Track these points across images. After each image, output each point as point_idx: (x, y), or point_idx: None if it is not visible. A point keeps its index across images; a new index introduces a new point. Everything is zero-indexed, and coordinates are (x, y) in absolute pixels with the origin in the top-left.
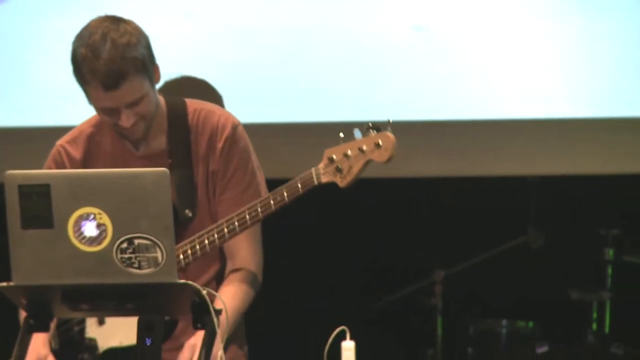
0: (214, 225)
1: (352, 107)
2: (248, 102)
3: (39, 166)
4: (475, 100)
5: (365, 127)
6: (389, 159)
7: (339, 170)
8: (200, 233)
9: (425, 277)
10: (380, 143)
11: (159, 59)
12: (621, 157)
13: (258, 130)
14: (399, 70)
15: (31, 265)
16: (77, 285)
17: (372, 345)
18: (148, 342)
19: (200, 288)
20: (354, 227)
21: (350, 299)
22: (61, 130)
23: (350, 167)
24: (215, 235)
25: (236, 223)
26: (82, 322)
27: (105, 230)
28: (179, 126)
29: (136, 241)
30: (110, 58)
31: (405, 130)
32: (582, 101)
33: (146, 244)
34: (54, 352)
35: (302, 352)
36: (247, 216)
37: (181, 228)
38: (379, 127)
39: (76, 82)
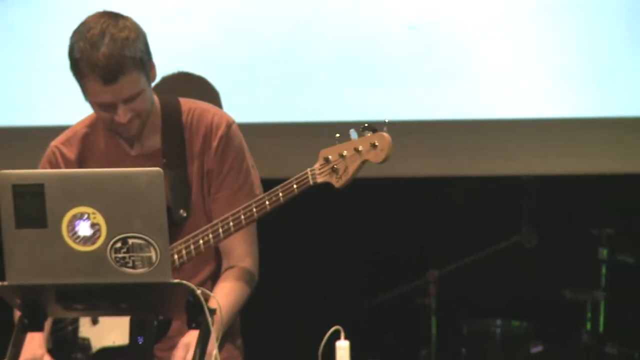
0: (209, 225)
1: (348, 107)
2: (243, 102)
3: (32, 166)
4: (469, 100)
5: (361, 128)
6: (385, 159)
7: (334, 170)
8: (195, 233)
9: (419, 277)
10: (377, 143)
11: (155, 57)
12: (616, 157)
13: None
14: (394, 69)
15: (25, 265)
16: (71, 284)
17: (366, 345)
18: (140, 340)
19: (195, 287)
20: (349, 227)
21: (344, 298)
22: (55, 130)
23: (346, 168)
24: (210, 235)
25: (231, 223)
26: (75, 321)
27: (99, 230)
28: (173, 125)
29: (130, 241)
30: (109, 52)
31: (399, 129)
32: (575, 101)
33: (140, 244)
34: (48, 352)
35: (296, 352)
36: (242, 216)
37: (176, 228)
38: (374, 127)
39: (73, 77)
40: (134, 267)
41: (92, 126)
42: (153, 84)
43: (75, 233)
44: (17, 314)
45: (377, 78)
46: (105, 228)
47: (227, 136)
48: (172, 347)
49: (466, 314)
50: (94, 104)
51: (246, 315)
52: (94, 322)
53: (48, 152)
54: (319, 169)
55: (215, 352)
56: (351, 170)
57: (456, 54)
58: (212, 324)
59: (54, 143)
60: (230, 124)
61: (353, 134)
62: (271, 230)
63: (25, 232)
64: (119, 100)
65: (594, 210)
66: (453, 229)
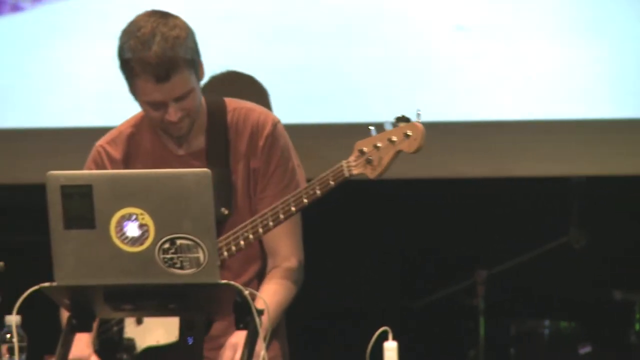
0: (248, 222)
1: (396, 108)
2: (291, 103)
3: (81, 167)
4: (517, 101)
5: (395, 119)
6: (418, 149)
7: (369, 162)
8: (235, 230)
9: (467, 278)
10: (410, 133)
11: (203, 57)
12: None
13: (301, 131)
14: (442, 70)
15: (73, 266)
16: (119, 285)
17: (414, 346)
18: (190, 341)
19: (242, 288)
20: (398, 227)
21: (392, 299)
22: (104, 131)
23: (381, 159)
24: (250, 232)
25: (270, 219)
26: (120, 322)
27: (147, 231)
28: (218, 125)
29: (178, 241)
30: (161, 50)
31: (447, 130)
32: (627, 101)
33: (188, 245)
34: (95, 353)
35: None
36: (280, 211)
37: (218, 226)
38: (408, 118)
39: (123, 76)
40: (182, 267)
41: (137, 126)
42: (201, 84)
43: (124, 234)
44: (64, 314)
45: (425, 79)
46: (153, 229)
47: (273, 135)
48: (217, 347)
49: (514, 315)
50: (144, 103)
51: (292, 315)
52: (138, 322)
53: (93, 152)
54: (354, 161)
55: (263, 352)
56: (385, 160)
57: (504, 54)
58: (260, 324)
59: (99, 143)
60: (275, 123)
61: (387, 125)
62: (317, 231)
63: (74, 233)
64: (170, 98)
65: None
66: (502, 230)
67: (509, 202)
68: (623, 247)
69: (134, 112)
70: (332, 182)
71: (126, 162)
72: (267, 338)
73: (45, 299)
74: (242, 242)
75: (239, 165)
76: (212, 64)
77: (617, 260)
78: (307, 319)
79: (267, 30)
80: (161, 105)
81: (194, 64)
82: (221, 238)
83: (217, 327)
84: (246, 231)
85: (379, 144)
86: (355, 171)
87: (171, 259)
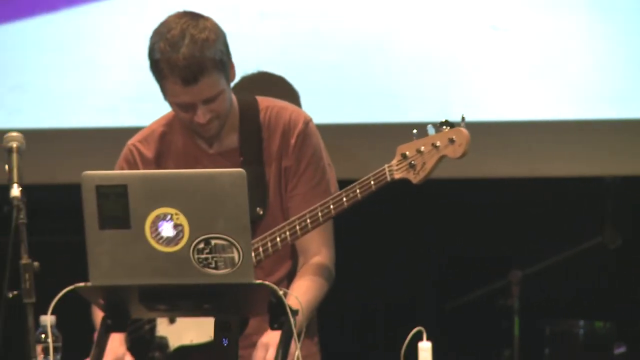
0: (286, 223)
1: (430, 108)
2: (325, 103)
3: (111, 167)
4: (551, 100)
5: (439, 123)
6: (463, 155)
7: (412, 166)
8: (272, 230)
9: (502, 278)
10: (454, 138)
11: (236, 58)
12: None
13: (335, 131)
14: (477, 69)
15: (108, 266)
16: (154, 285)
17: (449, 346)
18: (225, 342)
19: (277, 289)
20: (431, 227)
21: (427, 299)
22: (133, 131)
23: (424, 163)
24: (287, 233)
25: (308, 220)
26: (152, 320)
27: (182, 231)
28: (251, 124)
29: (213, 241)
30: (189, 53)
31: (481, 130)
32: None
33: (223, 245)
34: (127, 351)
35: (377, 352)
36: (320, 213)
37: (252, 225)
38: (452, 123)
39: (153, 77)
40: (216, 267)
41: (169, 124)
42: (233, 83)
43: (159, 234)
44: (97, 313)
45: (459, 79)
46: (188, 229)
47: (305, 133)
48: (250, 345)
49: (549, 315)
50: (173, 104)
51: (326, 314)
52: (171, 320)
53: (125, 150)
54: (397, 165)
55: (297, 352)
56: (429, 165)
57: (538, 54)
58: (295, 324)
59: (131, 142)
60: (307, 121)
61: (430, 129)
62: (355, 230)
63: (109, 232)
64: (198, 101)
65: None
66: (536, 230)
67: (544, 202)
68: None
69: (164, 113)
70: (373, 186)
71: (158, 161)
72: (302, 337)
73: (80, 300)
74: (279, 243)
75: (271, 164)
76: (248, 63)
77: None
78: (342, 318)
79: (303, 30)
80: (190, 107)
81: (224, 65)
82: (258, 238)
83: (249, 324)
84: (284, 232)
85: (422, 149)
86: (397, 175)
87: (206, 259)
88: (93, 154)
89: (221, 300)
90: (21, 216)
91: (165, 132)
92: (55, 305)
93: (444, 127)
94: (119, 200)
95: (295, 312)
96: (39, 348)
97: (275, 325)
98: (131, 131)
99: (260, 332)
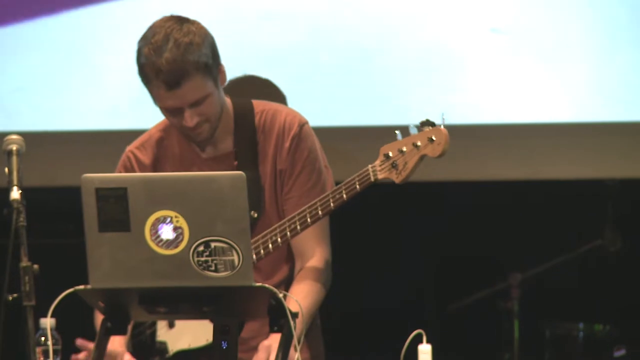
0: (276, 226)
1: (430, 111)
2: (325, 105)
3: (111, 170)
4: (551, 103)
5: (420, 123)
6: (442, 153)
7: (394, 166)
8: (263, 234)
9: (502, 281)
10: (434, 138)
11: (236, 59)
12: None
13: (335, 133)
14: (476, 72)
15: (108, 269)
16: (154, 288)
17: (448, 348)
18: (224, 345)
19: (277, 291)
20: (431, 230)
21: (426, 302)
22: (139, 134)
23: (406, 163)
24: (278, 236)
25: (297, 222)
26: (153, 325)
27: (182, 234)
28: (246, 127)
29: (213, 244)
30: (172, 57)
31: (482, 133)
32: None
33: (222, 247)
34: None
35: (377, 354)
36: (308, 215)
37: None
38: (433, 122)
39: (141, 81)
40: (216, 270)
41: (166, 130)
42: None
43: (158, 236)
44: (98, 316)
45: (459, 81)
46: (188, 231)
47: (299, 136)
48: (248, 349)
49: (549, 318)
50: (162, 109)
51: (326, 317)
52: (170, 325)
53: (123, 157)
54: (380, 165)
55: (297, 355)
56: (410, 165)
57: (539, 57)
58: (295, 327)
59: (129, 148)
60: (302, 124)
61: (412, 129)
62: (354, 233)
63: (109, 235)
64: (184, 105)
65: None
66: (536, 233)
67: (544, 204)
68: None
69: (162, 117)
70: (358, 187)
71: (155, 167)
72: (301, 341)
73: (80, 302)
74: (270, 246)
75: (266, 167)
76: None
77: None
78: (342, 321)
79: (299, 31)
80: (177, 111)
81: (209, 69)
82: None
83: (249, 329)
84: (275, 235)
85: (403, 148)
86: (380, 175)
87: (205, 261)
88: (93, 157)
89: (221, 303)
90: (21, 219)
91: (163, 138)
92: (55, 308)
93: (425, 126)
94: (119, 203)
95: (295, 315)
96: (38, 351)
97: (275, 328)
98: (131, 134)
99: (260, 336)
